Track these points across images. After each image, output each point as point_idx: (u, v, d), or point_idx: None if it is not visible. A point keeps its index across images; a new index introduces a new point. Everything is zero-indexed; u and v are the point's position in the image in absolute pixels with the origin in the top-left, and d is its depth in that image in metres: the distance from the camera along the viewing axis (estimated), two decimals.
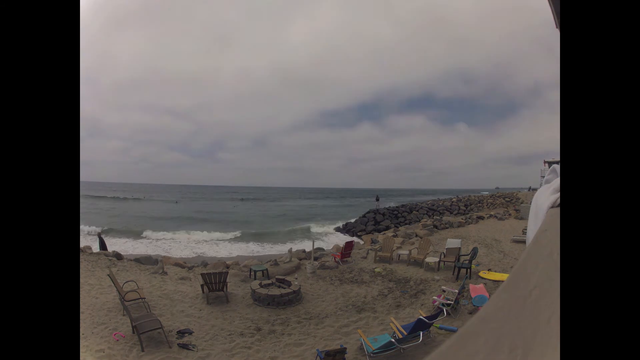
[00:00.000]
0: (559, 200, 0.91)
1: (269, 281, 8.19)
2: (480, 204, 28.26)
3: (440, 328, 6.03)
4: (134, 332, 5.76)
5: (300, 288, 7.93)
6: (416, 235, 14.65)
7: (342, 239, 18.17)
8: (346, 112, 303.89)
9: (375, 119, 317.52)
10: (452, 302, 6.66)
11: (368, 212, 26.49)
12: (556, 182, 0.98)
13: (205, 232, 20.69)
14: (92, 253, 11.37)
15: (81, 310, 6.54)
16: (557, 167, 1.06)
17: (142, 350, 5.38)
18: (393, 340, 5.32)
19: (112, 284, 7.33)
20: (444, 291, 7.47)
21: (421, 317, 5.48)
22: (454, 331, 5.87)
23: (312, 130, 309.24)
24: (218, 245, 17.31)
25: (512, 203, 27.74)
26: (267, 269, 9.47)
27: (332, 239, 19.52)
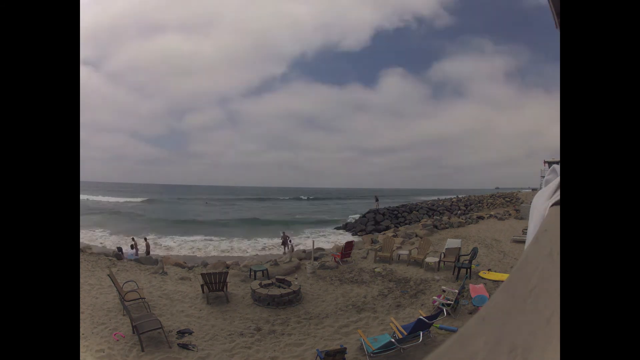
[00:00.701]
0: (558, 198, 0.91)
1: (269, 281, 8.19)
2: (480, 204, 28.26)
3: (440, 328, 6.03)
4: (134, 332, 5.76)
5: (300, 288, 7.93)
6: (416, 235, 14.65)
7: (342, 238, 18.17)
8: (364, 51, 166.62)
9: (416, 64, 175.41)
10: (452, 302, 6.66)
11: (368, 212, 26.46)
12: (555, 183, 0.98)
13: None
14: (92, 253, 11.37)
15: (81, 310, 6.54)
16: (557, 167, 1.06)
17: (142, 350, 5.38)
18: (393, 340, 5.32)
19: (112, 284, 7.33)
20: (444, 291, 7.47)
21: (421, 317, 5.48)
22: (454, 331, 5.87)
23: (305, 88, 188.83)
24: None
25: (512, 203, 27.74)
26: (267, 269, 9.47)
27: (332, 238, 19.52)
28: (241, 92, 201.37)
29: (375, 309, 7.25)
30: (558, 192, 0.91)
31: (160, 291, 8.18)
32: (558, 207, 0.90)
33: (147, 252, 14.25)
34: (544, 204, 0.95)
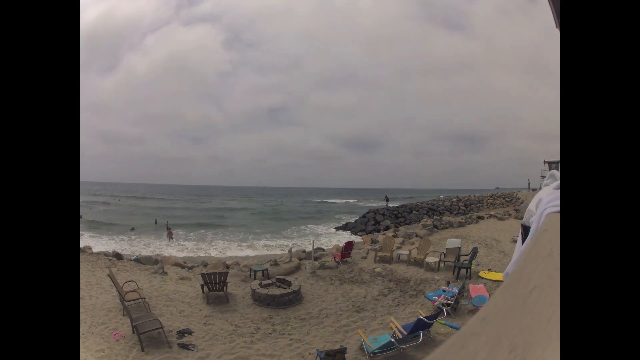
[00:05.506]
0: (556, 209, 0.90)
1: (269, 281, 8.19)
2: (480, 204, 28.21)
3: (445, 324, 6.04)
4: (134, 332, 5.76)
5: (300, 288, 7.93)
6: (416, 235, 14.64)
7: (342, 238, 18.16)
8: None
9: None
10: (452, 302, 6.66)
11: (368, 212, 26.48)
12: (554, 187, 0.97)
13: None
14: (92, 253, 11.37)
15: (81, 310, 6.54)
16: (555, 172, 1.06)
17: (142, 350, 5.38)
18: (393, 340, 5.32)
19: (112, 284, 7.33)
20: (444, 291, 7.47)
21: (421, 317, 5.48)
22: (457, 328, 5.87)
23: None
24: None
25: (512, 203, 27.70)
26: (267, 269, 9.47)
27: (332, 239, 19.51)
28: None
29: (375, 308, 7.25)
30: (557, 202, 0.90)
31: (160, 291, 8.18)
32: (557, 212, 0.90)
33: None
34: (543, 213, 0.94)
